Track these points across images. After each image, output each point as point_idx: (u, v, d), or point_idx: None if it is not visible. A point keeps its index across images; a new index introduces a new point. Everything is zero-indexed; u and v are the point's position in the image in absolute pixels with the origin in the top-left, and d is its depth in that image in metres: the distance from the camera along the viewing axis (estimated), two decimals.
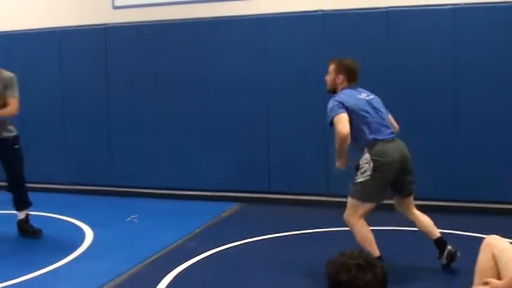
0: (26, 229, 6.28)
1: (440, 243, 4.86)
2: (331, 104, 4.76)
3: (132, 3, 8.11)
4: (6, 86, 6.07)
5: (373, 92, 4.95)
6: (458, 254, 4.79)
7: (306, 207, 7.22)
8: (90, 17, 8.22)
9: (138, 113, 8.01)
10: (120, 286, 4.83)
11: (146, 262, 5.36)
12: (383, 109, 4.93)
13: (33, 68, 8.14)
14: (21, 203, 6.29)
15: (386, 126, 4.82)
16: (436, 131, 6.84)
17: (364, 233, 4.72)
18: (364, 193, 4.71)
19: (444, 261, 4.82)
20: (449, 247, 4.81)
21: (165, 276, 4.88)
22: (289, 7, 7.32)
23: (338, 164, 4.90)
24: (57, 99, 8.27)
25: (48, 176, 8.26)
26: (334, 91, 4.96)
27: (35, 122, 8.21)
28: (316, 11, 7.15)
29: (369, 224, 4.80)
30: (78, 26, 8.24)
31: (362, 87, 5.01)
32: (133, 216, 6.99)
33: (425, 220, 4.93)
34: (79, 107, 8.26)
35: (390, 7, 6.89)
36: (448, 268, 4.81)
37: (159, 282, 4.74)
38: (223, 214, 7.05)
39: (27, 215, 6.32)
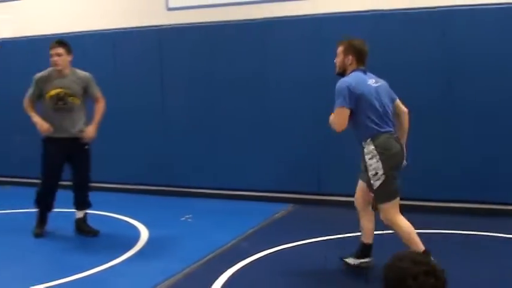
0: (84, 228, 6.39)
1: (369, 250, 4.98)
2: (341, 86, 4.65)
3: (186, 4, 8.16)
4: (87, 85, 6.21)
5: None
6: (371, 268, 4.88)
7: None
8: (144, 19, 8.31)
9: (193, 114, 8.07)
10: (174, 286, 4.87)
11: (200, 262, 5.39)
12: (388, 99, 4.80)
13: (89, 69, 8.27)
14: (82, 203, 6.39)
15: (390, 119, 4.74)
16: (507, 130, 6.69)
17: (407, 228, 4.63)
18: (388, 194, 4.64)
19: (353, 261, 4.98)
20: (370, 259, 4.95)
21: (219, 276, 4.90)
22: (344, 7, 7.24)
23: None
24: (113, 99, 8.36)
25: (105, 175, 8.38)
26: (343, 73, 4.86)
27: None
28: (370, 10, 7.06)
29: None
30: (133, 27, 8.36)
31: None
32: (187, 216, 7.05)
33: (373, 223, 4.99)
34: (135, 107, 8.37)
35: (444, 6, 6.74)
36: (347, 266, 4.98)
37: (213, 283, 4.76)
38: (276, 215, 7.03)
39: (86, 214, 6.44)
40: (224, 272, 5.00)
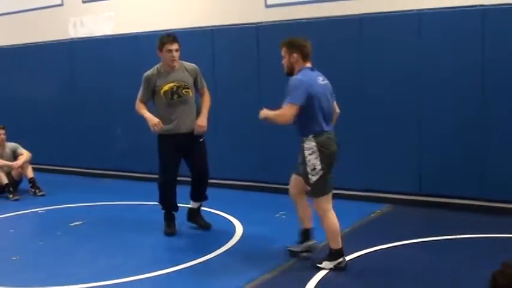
0: (197, 220, 6.49)
1: (308, 234, 5.35)
2: (295, 84, 4.88)
3: (284, 2, 8.17)
4: (196, 77, 6.28)
5: None
6: (315, 249, 5.34)
7: (458, 211, 6.91)
8: (242, 16, 8.39)
9: None
10: (269, 282, 4.90)
11: (294, 260, 5.38)
12: (331, 98, 5.13)
13: None
14: (200, 196, 6.48)
15: (330, 119, 5.08)
16: None
17: (334, 224, 5.05)
18: (323, 188, 5.00)
19: (298, 248, 5.36)
20: (313, 241, 5.35)
21: (313, 275, 4.90)
22: (446, 2, 7.00)
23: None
24: (212, 96, 8.50)
25: None
26: (291, 73, 5.05)
27: None
28: (475, 5, 6.80)
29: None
30: (231, 24, 8.45)
31: None
32: (281, 213, 7.07)
33: (310, 208, 5.30)
34: (231, 104, 8.45)
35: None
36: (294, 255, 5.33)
37: (308, 280, 4.77)
38: (372, 215, 6.92)
39: (201, 205, 6.53)
40: (318, 271, 4.98)
